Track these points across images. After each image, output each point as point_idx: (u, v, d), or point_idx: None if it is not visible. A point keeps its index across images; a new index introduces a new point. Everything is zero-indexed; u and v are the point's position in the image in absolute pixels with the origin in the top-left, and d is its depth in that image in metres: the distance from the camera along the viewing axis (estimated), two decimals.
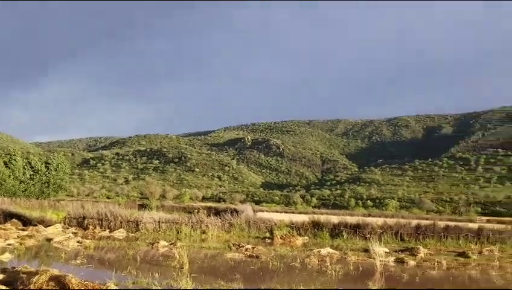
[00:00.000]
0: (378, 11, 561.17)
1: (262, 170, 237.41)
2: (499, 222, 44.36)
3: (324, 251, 19.69)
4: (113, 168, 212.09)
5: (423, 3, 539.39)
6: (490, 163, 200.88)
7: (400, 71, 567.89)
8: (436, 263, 17.89)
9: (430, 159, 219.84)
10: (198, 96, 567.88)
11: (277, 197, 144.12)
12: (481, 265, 17.99)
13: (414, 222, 27.44)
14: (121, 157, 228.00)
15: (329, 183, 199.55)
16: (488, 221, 50.94)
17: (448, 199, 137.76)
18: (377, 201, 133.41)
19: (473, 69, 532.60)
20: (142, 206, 49.26)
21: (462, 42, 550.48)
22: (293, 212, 58.76)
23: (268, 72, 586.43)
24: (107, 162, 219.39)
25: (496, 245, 23.54)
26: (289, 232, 25.47)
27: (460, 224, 28.78)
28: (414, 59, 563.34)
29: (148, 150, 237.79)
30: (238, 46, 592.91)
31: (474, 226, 28.28)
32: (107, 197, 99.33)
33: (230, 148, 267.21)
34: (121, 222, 26.71)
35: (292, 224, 26.74)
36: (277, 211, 61.30)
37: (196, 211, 30.25)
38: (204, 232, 25.48)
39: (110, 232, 25.50)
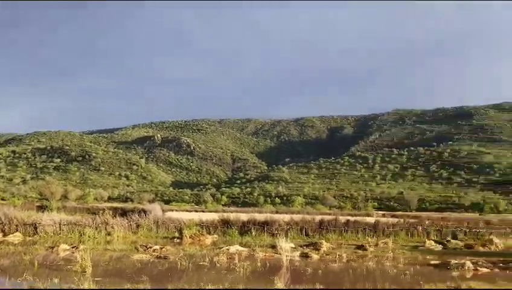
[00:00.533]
0: (290, 12, 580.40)
1: (172, 169, 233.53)
2: (392, 216, 48.33)
3: (233, 249, 19.93)
4: (9, 167, 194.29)
5: (327, 8, 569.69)
6: (385, 161, 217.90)
7: (308, 73, 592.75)
8: (337, 256, 19.02)
9: (333, 158, 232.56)
10: (107, 92, 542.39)
11: (187, 197, 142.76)
12: (377, 257, 19.46)
13: (318, 218, 28.88)
14: (17, 155, 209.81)
15: (239, 181, 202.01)
16: (384, 215, 55.25)
17: (348, 195, 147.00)
18: (285, 198, 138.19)
19: (369, 74, 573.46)
20: (42, 208, 45.87)
21: (362, 50, 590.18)
22: (203, 211, 58.55)
23: (180, 70, 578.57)
24: (1, 160, 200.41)
25: (390, 237, 25.66)
26: (198, 231, 25.33)
27: (359, 219, 30.86)
28: (323, 63, 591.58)
29: (49, 147, 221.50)
30: (150, 43, 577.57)
31: (371, 220, 30.51)
32: (2, 199, 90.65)
33: (139, 147, 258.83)
34: (16, 225, 24.53)
35: (202, 223, 26.66)
36: (187, 211, 60.64)
37: (101, 212, 28.84)
38: (109, 234, 24.33)
39: (3, 236, 23.31)
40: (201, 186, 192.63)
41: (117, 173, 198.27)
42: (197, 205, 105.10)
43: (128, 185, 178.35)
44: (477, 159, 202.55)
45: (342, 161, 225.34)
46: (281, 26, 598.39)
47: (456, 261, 16.75)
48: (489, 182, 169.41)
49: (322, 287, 12.33)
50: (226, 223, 26.70)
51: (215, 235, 25.42)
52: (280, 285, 12.24)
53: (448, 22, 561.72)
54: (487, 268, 16.48)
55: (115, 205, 64.45)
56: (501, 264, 17.10)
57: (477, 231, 28.68)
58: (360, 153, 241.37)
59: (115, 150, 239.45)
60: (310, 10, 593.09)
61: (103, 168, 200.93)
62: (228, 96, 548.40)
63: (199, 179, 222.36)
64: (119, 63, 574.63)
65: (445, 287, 12.49)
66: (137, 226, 26.18)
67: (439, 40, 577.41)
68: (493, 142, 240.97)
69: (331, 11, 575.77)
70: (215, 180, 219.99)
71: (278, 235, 23.12)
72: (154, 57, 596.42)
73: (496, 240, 24.99)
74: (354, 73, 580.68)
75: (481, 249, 23.58)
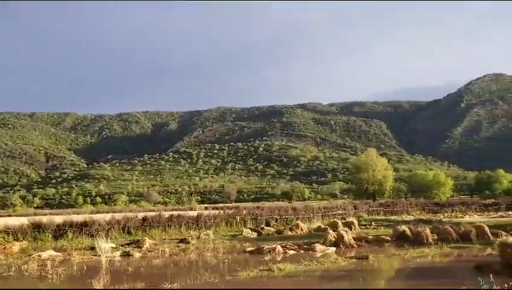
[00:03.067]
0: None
1: None
2: (214, 208, 50.50)
3: (45, 255, 18.20)
4: None
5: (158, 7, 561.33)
6: (208, 156, 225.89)
7: (130, 69, 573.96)
8: (160, 252, 19.10)
9: (157, 154, 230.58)
10: None
11: None
12: (199, 248, 20.18)
13: (141, 215, 28.43)
14: None
15: (54, 181, 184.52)
16: (206, 208, 57.36)
17: (173, 191, 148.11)
18: (107, 197, 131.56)
19: (194, 72, 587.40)
20: None
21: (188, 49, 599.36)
22: (10, 216, 51.89)
23: None
24: None
25: (211, 229, 26.88)
26: (4, 239, 22.37)
27: (182, 213, 31.43)
28: (150, 60, 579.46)
29: None
30: None
31: (194, 213, 31.41)
32: None
33: None
34: None
35: (7, 229, 23.58)
36: None
37: None
38: None
39: None
40: (9, 188, 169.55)
41: None
42: (3, 210, 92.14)
43: None
44: (287, 152, 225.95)
45: (167, 157, 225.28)
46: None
47: (269, 246, 18.54)
48: (296, 173, 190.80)
49: (142, 284, 12.28)
50: (37, 228, 24.13)
51: (25, 242, 22.79)
52: (98, 287, 11.75)
53: (274, 29, 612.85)
54: (294, 250, 18.69)
55: None
56: (305, 246, 19.55)
57: (286, 217, 32.13)
58: (184, 148, 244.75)
59: None
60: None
61: None
62: (39, 88, 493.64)
63: (5, 180, 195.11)
64: None
65: (259, 271, 13.71)
66: None
67: (260, 44, 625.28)
68: (300, 137, 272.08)
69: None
70: (25, 180, 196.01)
71: (97, 236, 21.97)
72: None
73: (301, 224, 28.39)
74: (180, 70, 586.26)
75: (289, 233, 26.51)
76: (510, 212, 43.69)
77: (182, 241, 22.57)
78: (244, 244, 20.93)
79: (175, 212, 31.14)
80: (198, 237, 23.95)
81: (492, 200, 56.80)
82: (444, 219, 33.87)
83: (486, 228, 22.38)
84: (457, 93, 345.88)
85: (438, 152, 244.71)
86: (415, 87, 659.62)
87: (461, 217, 38.06)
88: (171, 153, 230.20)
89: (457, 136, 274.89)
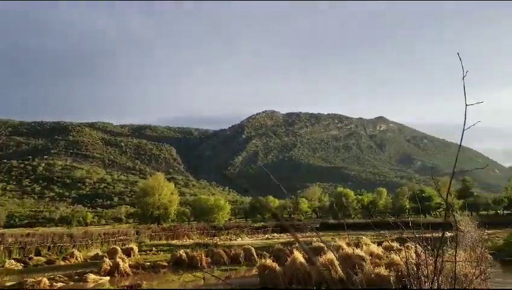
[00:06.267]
0: None
1: None
2: None
3: None
4: None
5: None
6: None
7: None
8: None
9: None
10: None
11: None
12: None
13: None
14: None
15: None
16: None
17: None
18: None
19: None
20: None
21: None
22: None
23: None
24: None
25: None
26: None
27: None
28: None
29: None
30: None
31: None
32: None
33: None
34: None
35: None
36: None
37: None
38: None
39: None
40: None
41: None
42: None
43: None
44: (71, 173, 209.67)
45: None
46: None
47: (33, 280, 16.93)
48: (80, 196, 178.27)
49: None
50: None
51: None
52: None
53: (67, 39, 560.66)
54: (63, 282, 17.52)
55: None
56: (77, 277, 18.55)
57: (61, 245, 29.80)
58: None
59: None
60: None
61: None
62: None
63: None
64: None
65: None
66: None
67: (49, 52, 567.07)
68: (87, 158, 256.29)
69: None
70: None
71: None
72: None
73: (76, 252, 26.79)
74: None
75: (62, 263, 24.70)
76: (275, 234, 50.23)
77: None
78: (5, 278, 18.60)
79: None
80: None
81: (262, 223, 64.19)
82: (219, 242, 36.75)
83: (253, 250, 25.34)
84: (240, 125, 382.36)
85: (221, 178, 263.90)
86: (207, 117, 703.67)
87: (235, 239, 41.95)
88: None
89: (237, 164, 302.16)
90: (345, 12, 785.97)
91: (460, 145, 3.15)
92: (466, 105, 2.92)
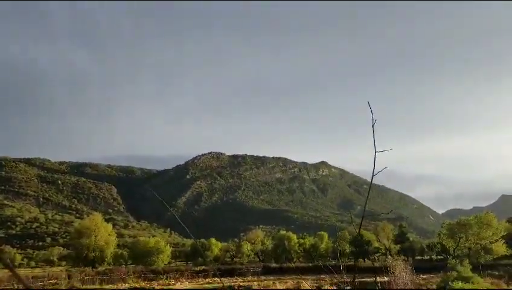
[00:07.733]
0: None
1: None
2: None
3: None
4: None
5: None
6: None
7: None
8: None
9: None
10: None
11: None
12: None
13: None
14: None
15: None
16: None
17: None
18: None
19: None
20: None
21: None
22: None
23: None
24: None
25: None
26: None
27: None
28: None
29: None
30: None
31: None
32: None
33: None
34: None
35: None
36: None
37: None
38: None
39: None
40: None
41: None
42: None
43: None
44: (1, 212, 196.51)
45: None
46: None
47: None
48: (9, 236, 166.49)
49: None
50: None
51: None
52: None
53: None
54: None
55: None
56: None
57: None
58: None
59: None
60: None
61: None
62: None
63: None
64: None
65: None
66: None
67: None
68: (19, 195, 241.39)
69: None
70: None
71: None
72: None
73: None
74: None
75: None
76: (216, 279, 49.14)
77: None
78: None
79: None
80: None
81: (203, 267, 62.73)
82: (157, 287, 35.43)
83: None
84: (184, 165, 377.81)
85: (163, 220, 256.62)
86: (151, 156, 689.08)
87: (173, 284, 40.58)
88: None
89: (180, 205, 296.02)
90: (287, 61, 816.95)
91: (369, 189, 3.48)
92: (375, 152, 3.27)
